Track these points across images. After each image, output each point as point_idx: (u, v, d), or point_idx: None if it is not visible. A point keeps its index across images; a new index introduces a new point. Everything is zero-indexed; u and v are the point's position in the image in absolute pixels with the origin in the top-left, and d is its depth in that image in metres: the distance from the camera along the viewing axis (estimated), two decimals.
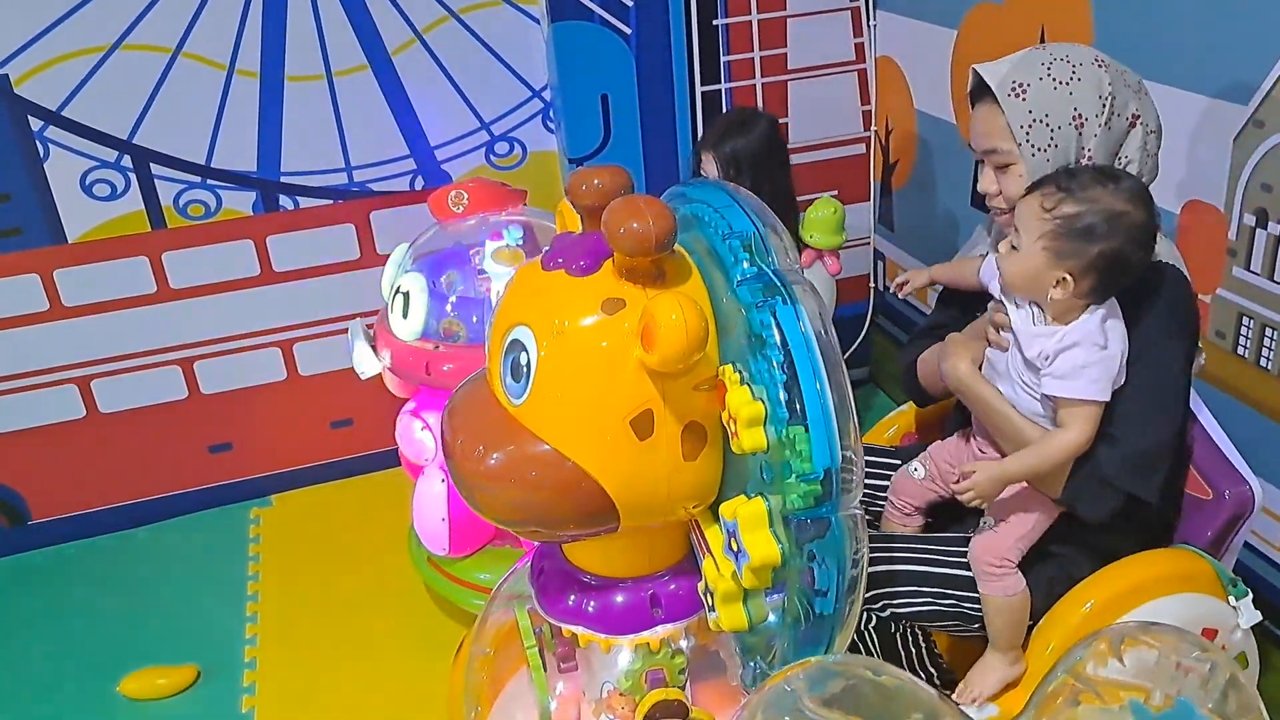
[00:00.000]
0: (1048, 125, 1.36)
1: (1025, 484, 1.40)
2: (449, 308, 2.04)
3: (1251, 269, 1.65)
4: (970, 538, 1.49)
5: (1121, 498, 1.34)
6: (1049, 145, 1.37)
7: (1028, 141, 1.37)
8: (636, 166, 2.53)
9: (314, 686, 2.13)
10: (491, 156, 2.61)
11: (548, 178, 2.65)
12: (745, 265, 1.12)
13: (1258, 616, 1.45)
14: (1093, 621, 1.41)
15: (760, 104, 2.61)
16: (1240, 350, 1.70)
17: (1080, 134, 1.36)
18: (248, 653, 2.25)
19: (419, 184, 2.58)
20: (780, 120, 2.65)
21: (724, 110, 2.56)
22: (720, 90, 2.56)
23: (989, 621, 1.44)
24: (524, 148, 2.62)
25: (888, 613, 1.48)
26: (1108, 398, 1.31)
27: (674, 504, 1.17)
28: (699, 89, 2.54)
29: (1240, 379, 1.71)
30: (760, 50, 2.57)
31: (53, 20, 2.23)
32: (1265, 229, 1.61)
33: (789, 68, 2.61)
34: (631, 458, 1.12)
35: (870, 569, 1.42)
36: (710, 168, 2.19)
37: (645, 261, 1.10)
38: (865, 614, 1.47)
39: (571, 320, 1.12)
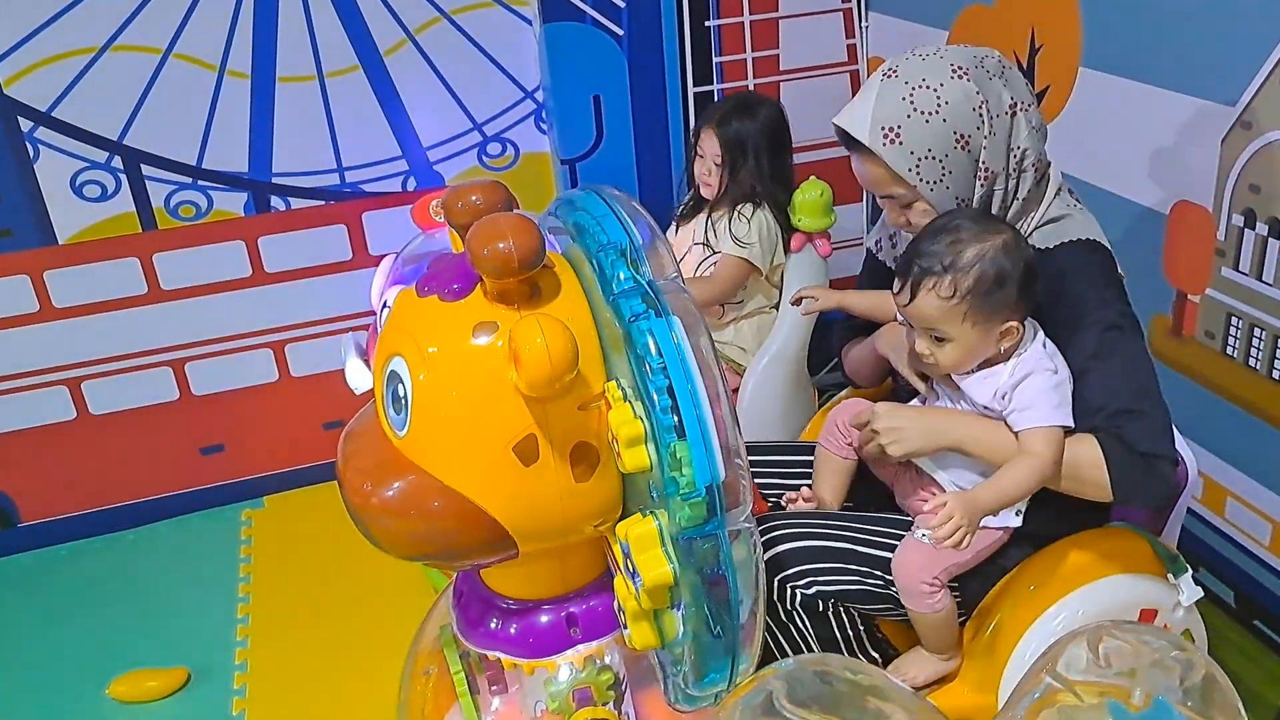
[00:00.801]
0: (934, 158, 1.31)
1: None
2: None
3: (1240, 269, 1.65)
4: (899, 518, 1.45)
5: (1169, 467, 1.29)
6: (944, 175, 1.32)
7: (921, 180, 1.32)
8: (629, 167, 2.53)
9: (305, 689, 2.13)
10: (484, 158, 2.61)
11: (540, 179, 2.64)
12: (622, 276, 1.09)
13: (1199, 593, 1.42)
14: (1032, 605, 1.40)
15: None
16: (1229, 350, 1.70)
17: (969, 152, 1.32)
18: (238, 655, 2.24)
19: (411, 185, 2.57)
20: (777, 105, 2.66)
21: None
22: (712, 91, 2.56)
23: (918, 630, 1.41)
24: (516, 149, 2.62)
25: (813, 590, 1.41)
26: (1071, 422, 1.30)
27: (573, 525, 1.15)
28: (691, 90, 2.54)
29: (1229, 378, 1.71)
30: (752, 51, 2.57)
31: (43, 21, 2.22)
32: (1253, 229, 1.61)
33: (781, 69, 2.61)
34: (519, 484, 1.09)
35: (796, 544, 1.41)
36: (711, 145, 2.20)
37: (513, 282, 1.07)
38: (791, 591, 1.41)
39: (443, 348, 1.10)
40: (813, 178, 2.13)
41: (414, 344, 1.12)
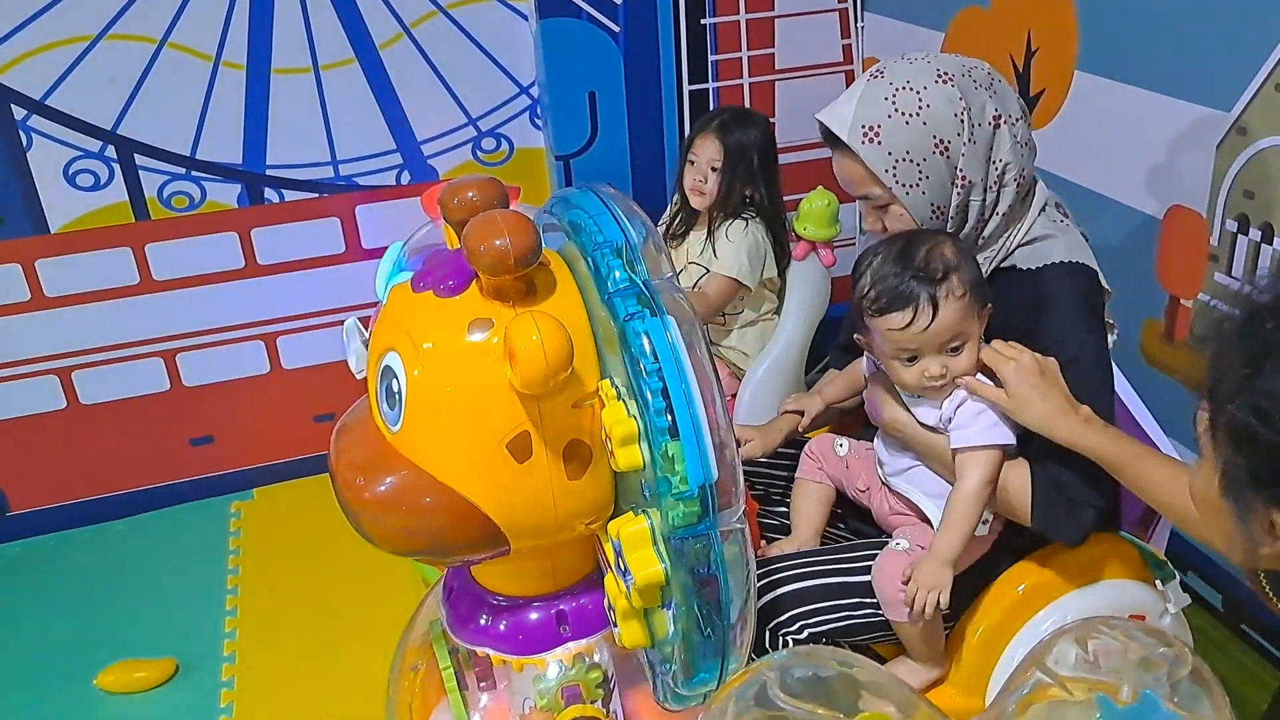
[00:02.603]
0: (912, 161, 1.30)
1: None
2: None
3: (1233, 274, 1.66)
4: (878, 540, 1.46)
5: (1094, 515, 1.32)
6: (920, 179, 1.31)
7: (897, 183, 1.31)
8: (623, 164, 2.53)
9: (293, 681, 2.12)
10: (478, 152, 2.61)
11: (535, 175, 2.64)
12: (617, 275, 1.08)
13: (1186, 600, 1.44)
14: (1020, 611, 1.41)
15: (747, 104, 2.61)
16: None
17: (948, 158, 1.31)
18: (227, 646, 2.24)
19: (405, 179, 2.57)
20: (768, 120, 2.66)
21: (712, 108, 2.56)
22: (708, 89, 2.56)
23: (903, 640, 1.41)
24: (511, 144, 2.62)
25: (805, 634, 1.41)
26: (1011, 440, 1.32)
27: (564, 524, 1.15)
28: (686, 87, 2.54)
29: None
30: (748, 50, 2.57)
31: (37, 9, 2.21)
32: (1246, 235, 1.62)
33: (776, 68, 2.61)
34: (511, 481, 1.09)
35: (783, 589, 1.41)
36: (708, 150, 2.16)
37: (509, 279, 1.07)
38: (783, 640, 1.42)
39: (438, 343, 1.09)
40: (820, 187, 2.13)
41: (408, 339, 1.11)
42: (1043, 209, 1.39)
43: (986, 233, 1.36)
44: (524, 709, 1.31)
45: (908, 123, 1.29)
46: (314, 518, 2.62)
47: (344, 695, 2.06)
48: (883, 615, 1.40)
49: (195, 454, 2.70)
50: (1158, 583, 1.44)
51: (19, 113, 2.28)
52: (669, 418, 1.02)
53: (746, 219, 2.21)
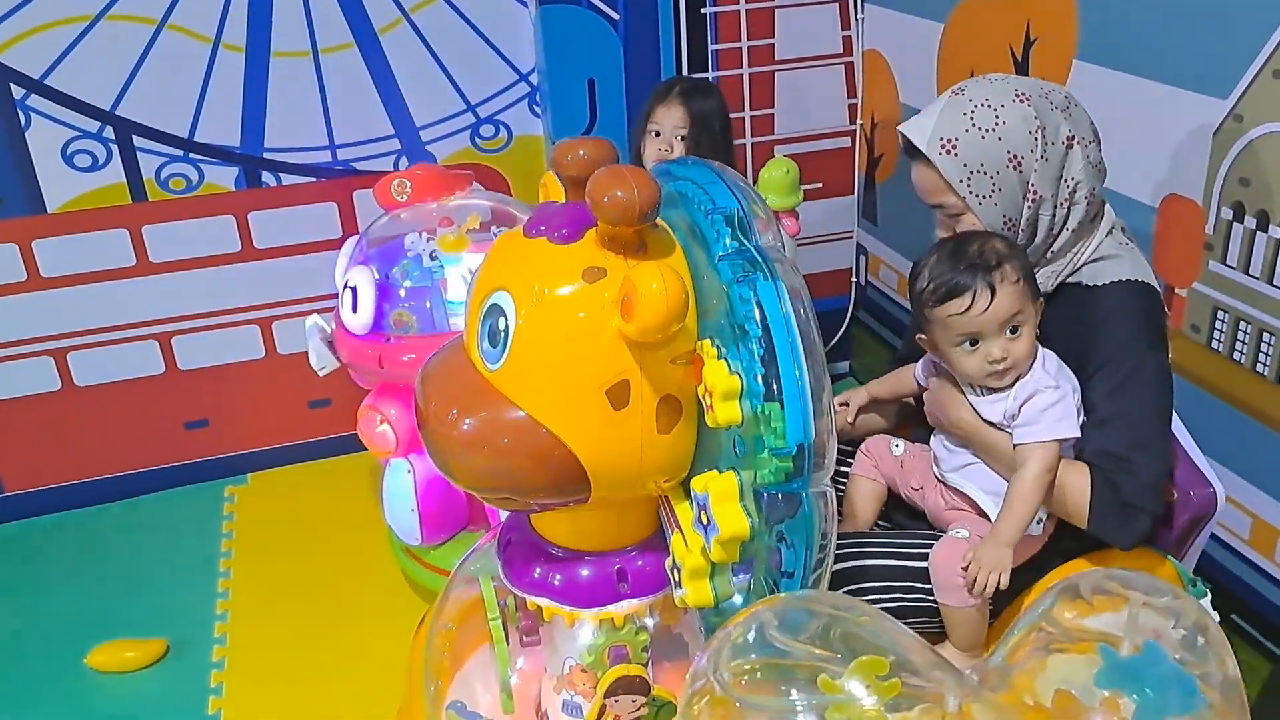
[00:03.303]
0: (986, 174, 1.37)
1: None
2: (402, 293, 2.03)
3: (1228, 263, 1.66)
4: (934, 531, 1.49)
5: (1148, 521, 1.35)
6: (993, 191, 1.38)
7: (971, 194, 1.38)
8: (621, 151, 2.52)
9: (283, 663, 2.13)
10: (477, 139, 2.61)
11: (533, 161, 2.64)
12: (727, 241, 1.11)
13: (1215, 616, 1.45)
14: None
15: (747, 94, 2.62)
16: (1214, 344, 1.71)
17: (1020, 173, 1.37)
18: (218, 628, 2.24)
19: (403, 164, 2.57)
20: (767, 111, 2.66)
21: None
22: (708, 79, 2.55)
23: (948, 626, 1.44)
24: (509, 131, 2.62)
25: None
26: (1077, 431, 1.36)
27: (646, 477, 1.17)
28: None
29: (1214, 373, 1.72)
30: (748, 40, 2.57)
31: None
32: (1242, 223, 1.62)
33: (776, 58, 2.61)
34: (606, 428, 1.11)
35: (838, 565, 1.42)
36: (673, 118, 2.07)
37: (628, 231, 1.10)
38: None
39: (552, 287, 1.11)
40: (778, 156, 2.11)
41: (521, 280, 1.13)
42: (1110, 230, 1.44)
43: (1056, 247, 1.42)
44: (564, 668, 1.33)
45: (984, 137, 1.36)
46: (308, 503, 2.64)
47: (333, 677, 2.07)
48: (932, 601, 1.43)
49: (190, 437, 2.70)
50: None
51: (18, 92, 2.28)
52: (770, 381, 1.05)
53: None
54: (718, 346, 1.09)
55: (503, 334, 1.13)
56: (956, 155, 1.37)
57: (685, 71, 2.53)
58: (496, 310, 1.14)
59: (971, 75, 1.63)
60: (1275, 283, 1.58)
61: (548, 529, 1.30)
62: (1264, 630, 1.74)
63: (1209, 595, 1.46)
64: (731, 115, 2.59)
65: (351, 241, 2.13)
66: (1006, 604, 1.47)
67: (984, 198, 1.38)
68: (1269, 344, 1.61)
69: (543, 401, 1.11)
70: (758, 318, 1.06)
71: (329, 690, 2.04)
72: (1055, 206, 1.39)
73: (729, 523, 1.07)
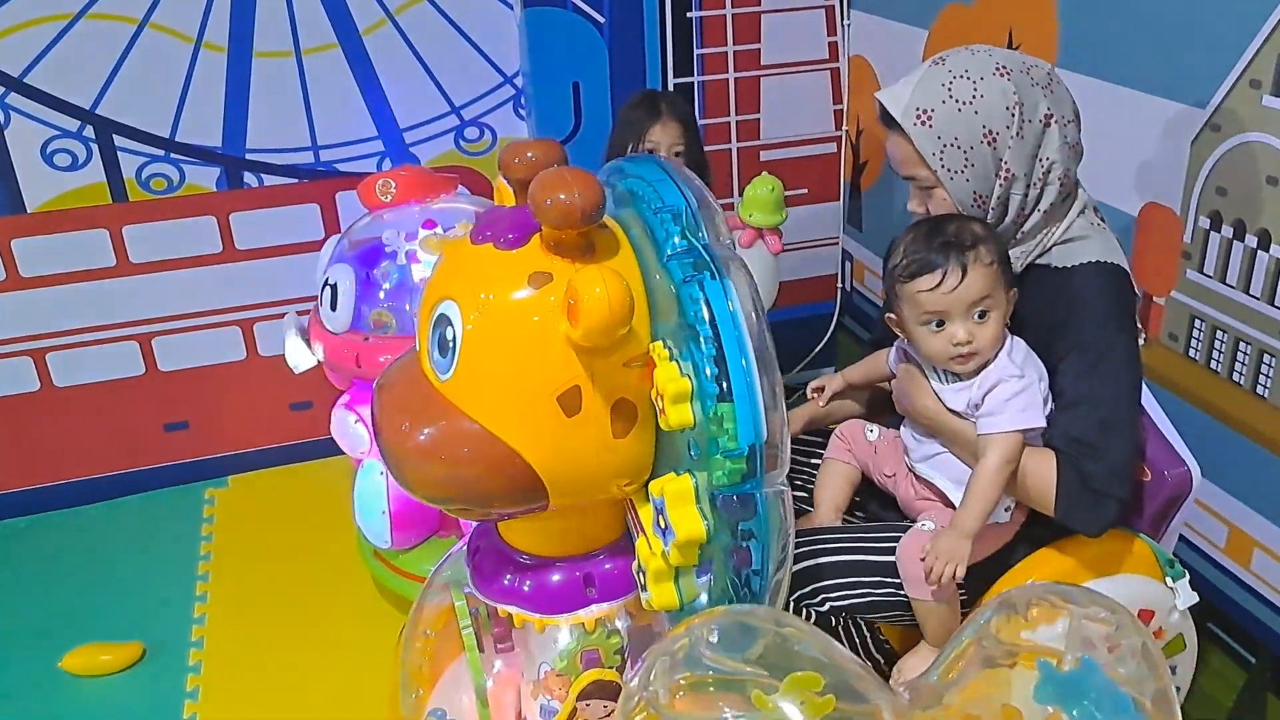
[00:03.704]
0: (959, 148, 1.35)
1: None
2: (381, 295, 2.01)
3: (1205, 272, 1.66)
4: (903, 523, 1.48)
5: (1116, 507, 1.34)
6: (965, 166, 1.35)
7: (943, 166, 1.36)
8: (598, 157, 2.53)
9: (260, 667, 2.11)
10: (461, 141, 2.60)
11: None
12: (676, 240, 1.10)
13: (1194, 598, 1.45)
14: None
15: (733, 99, 2.61)
16: (1192, 353, 1.71)
17: (994, 149, 1.35)
18: (195, 632, 2.22)
19: (386, 166, 2.56)
20: (753, 116, 2.66)
21: (698, 102, 2.56)
22: (693, 82, 2.56)
23: (920, 620, 1.44)
24: (494, 133, 2.61)
25: (826, 607, 1.46)
26: (1042, 422, 1.35)
27: (604, 482, 1.16)
28: (671, 80, 2.54)
29: (1191, 381, 1.72)
30: (734, 45, 2.57)
31: None
32: (1219, 232, 1.62)
33: (762, 63, 2.61)
34: (559, 435, 1.11)
35: (805, 562, 1.43)
36: (669, 134, 2.07)
37: (573, 234, 1.09)
38: (805, 610, 1.45)
39: (497, 294, 1.11)
40: (764, 173, 2.11)
41: (467, 288, 1.13)
42: (1082, 211, 1.42)
43: (1026, 227, 1.40)
44: (539, 674, 1.33)
45: (960, 110, 1.34)
46: (288, 506, 2.62)
47: (310, 682, 2.06)
48: (903, 595, 1.43)
49: (170, 440, 2.68)
50: (1168, 580, 1.45)
51: None
52: (721, 380, 1.04)
53: None
54: (670, 348, 1.08)
55: (451, 344, 1.12)
56: (931, 127, 1.35)
57: (671, 75, 2.53)
58: (444, 320, 1.13)
59: None
60: (1252, 292, 1.58)
61: (515, 536, 1.29)
62: (1239, 639, 1.74)
63: (1187, 576, 1.46)
64: (717, 120, 2.61)
65: (333, 240, 2.12)
66: (980, 595, 1.46)
67: (956, 172, 1.36)
68: (1245, 353, 1.61)
69: (494, 411, 1.10)
70: (707, 317, 1.05)
71: (306, 694, 2.03)
72: (1028, 186, 1.37)
73: (685, 526, 1.07)
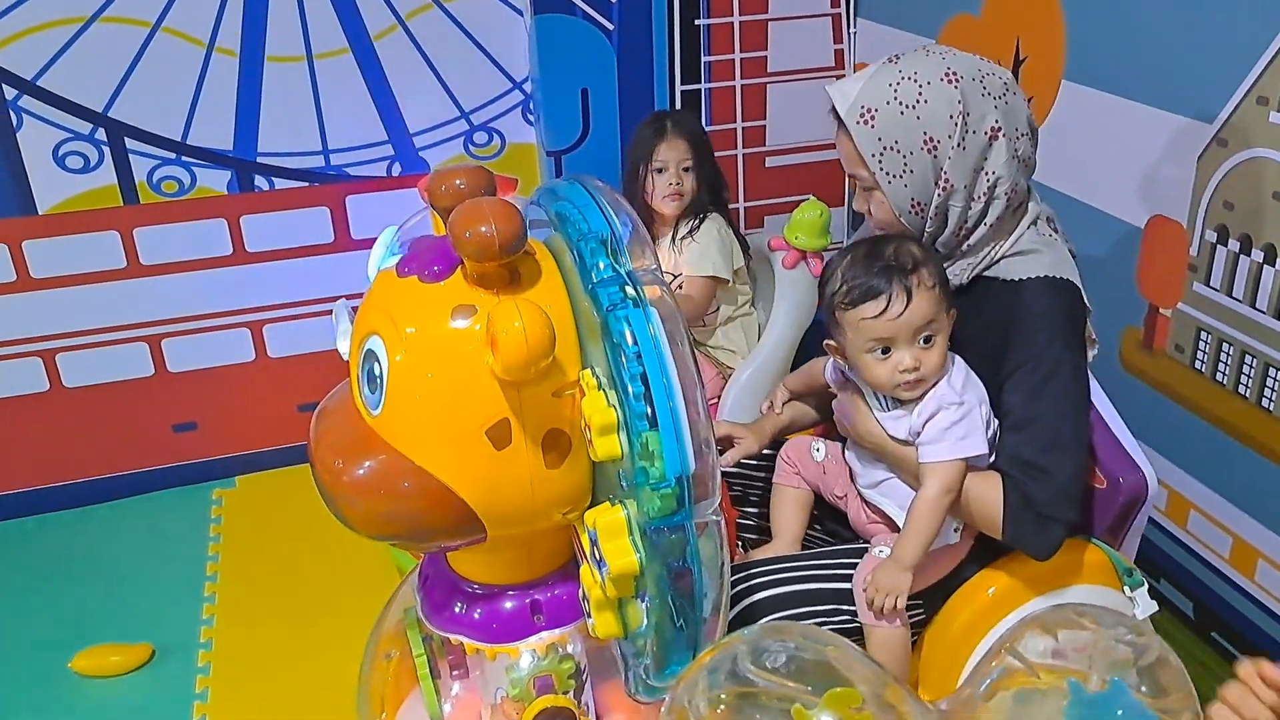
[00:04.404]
0: (899, 151, 1.30)
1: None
2: None
3: (1211, 284, 1.68)
4: (858, 546, 1.48)
5: (1063, 530, 1.33)
6: (904, 171, 1.32)
7: (881, 169, 1.32)
8: (614, 161, 2.54)
9: (269, 668, 2.12)
10: (470, 146, 2.62)
11: (526, 170, 2.65)
12: (601, 265, 1.09)
13: (1154, 607, 1.45)
14: (990, 613, 1.42)
15: (739, 106, 2.63)
16: (1198, 365, 1.73)
17: (935, 157, 1.31)
18: (204, 633, 2.23)
19: (396, 170, 2.57)
20: (759, 123, 2.68)
21: (700, 110, 2.58)
22: (700, 90, 2.57)
23: (870, 648, 1.40)
24: (503, 138, 2.63)
25: None
26: (984, 449, 1.34)
27: (541, 512, 1.15)
28: (679, 87, 2.55)
29: (1197, 393, 1.74)
30: (741, 52, 2.58)
31: None
32: (1226, 245, 1.64)
33: (769, 70, 2.62)
34: (490, 468, 1.10)
35: (766, 592, 1.42)
36: (675, 152, 2.14)
37: (494, 266, 1.08)
38: None
39: (421, 328, 1.10)
40: (812, 198, 2.16)
41: (392, 323, 1.12)
42: (1033, 223, 1.39)
43: (972, 241, 1.37)
44: (496, 698, 1.32)
45: (902, 113, 1.30)
46: (296, 507, 2.62)
47: (320, 683, 2.06)
48: (856, 622, 1.41)
49: (178, 440, 2.69)
50: (1126, 589, 1.45)
51: (10, 93, 2.28)
52: (648, 408, 1.02)
53: (703, 216, 2.24)
54: (598, 377, 1.07)
55: (379, 379, 1.11)
56: (873, 128, 1.30)
57: (679, 82, 2.54)
58: (371, 356, 1.13)
59: None
60: (1258, 306, 1.60)
61: (462, 565, 1.30)
62: (1243, 649, 1.75)
63: (1145, 585, 1.45)
64: (723, 127, 2.62)
65: (389, 232, 2.12)
66: (936, 608, 1.46)
67: (894, 176, 1.32)
68: (1251, 365, 1.63)
69: (422, 446, 1.10)
70: (631, 344, 1.04)
71: (316, 696, 2.04)
72: (970, 199, 1.33)
73: (617, 559, 1.06)
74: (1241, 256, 1.61)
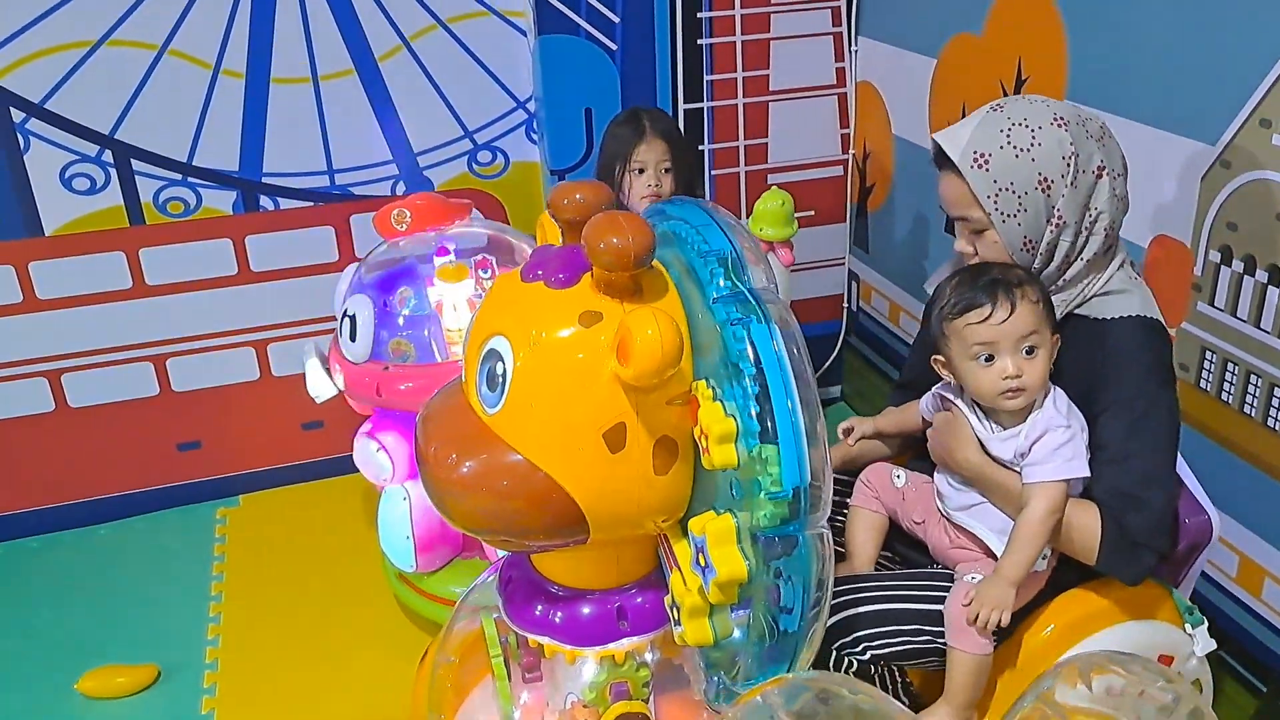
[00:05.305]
0: (1014, 192, 1.38)
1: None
2: (400, 321, 2.03)
3: (1216, 304, 1.68)
4: (939, 570, 1.50)
5: (1154, 558, 1.37)
6: (1018, 210, 1.38)
7: (996, 210, 1.39)
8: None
9: (275, 689, 2.12)
10: (474, 165, 2.63)
11: (530, 188, 2.66)
12: (721, 283, 1.13)
13: (1213, 644, 1.48)
14: (1051, 648, 1.43)
15: (742, 123, 2.64)
16: (1203, 384, 1.73)
17: (1048, 196, 1.38)
18: (209, 653, 2.23)
19: (400, 190, 2.58)
20: (761, 140, 2.69)
21: (703, 128, 2.59)
22: (703, 109, 2.58)
23: (949, 673, 1.43)
24: (507, 158, 2.64)
25: (867, 655, 1.46)
26: (1087, 471, 1.38)
27: (644, 517, 1.18)
28: (682, 106, 2.57)
29: (1202, 412, 1.74)
30: (743, 71, 2.60)
31: (39, 13, 2.23)
32: (1229, 266, 1.65)
33: (771, 89, 2.64)
34: (603, 470, 1.13)
35: (846, 611, 1.45)
36: (654, 152, 2.09)
37: (623, 276, 1.12)
38: (848, 660, 1.46)
39: (549, 332, 1.13)
40: (774, 187, 2.13)
41: (518, 325, 1.15)
42: (1122, 264, 1.45)
43: (1069, 275, 1.43)
44: (565, 704, 1.33)
45: (1017, 156, 1.37)
46: (300, 525, 2.64)
47: (326, 703, 2.07)
48: (939, 643, 1.44)
49: (183, 459, 2.70)
50: (1187, 627, 1.48)
51: (17, 115, 2.29)
52: (766, 421, 1.06)
53: None
54: (713, 387, 1.10)
55: (501, 379, 1.14)
56: (988, 171, 1.38)
57: (682, 101, 2.55)
58: (494, 355, 1.16)
59: (963, 110, 1.66)
60: (1263, 326, 1.61)
61: (547, 567, 1.31)
62: (1250, 667, 1.76)
63: (1205, 624, 1.48)
64: (726, 144, 2.62)
65: (351, 270, 2.14)
66: (1003, 639, 1.47)
67: (1009, 216, 1.39)
68: (1256, 385, 1.64)
69: (540, 445, 1.13)
70: (751, 359, 1.07)
71: (322, 715, 2.04)
72: (1077, 234, 1.40)
73: (727, 566, 1.09)
74: (1246, 277, 1.62)
